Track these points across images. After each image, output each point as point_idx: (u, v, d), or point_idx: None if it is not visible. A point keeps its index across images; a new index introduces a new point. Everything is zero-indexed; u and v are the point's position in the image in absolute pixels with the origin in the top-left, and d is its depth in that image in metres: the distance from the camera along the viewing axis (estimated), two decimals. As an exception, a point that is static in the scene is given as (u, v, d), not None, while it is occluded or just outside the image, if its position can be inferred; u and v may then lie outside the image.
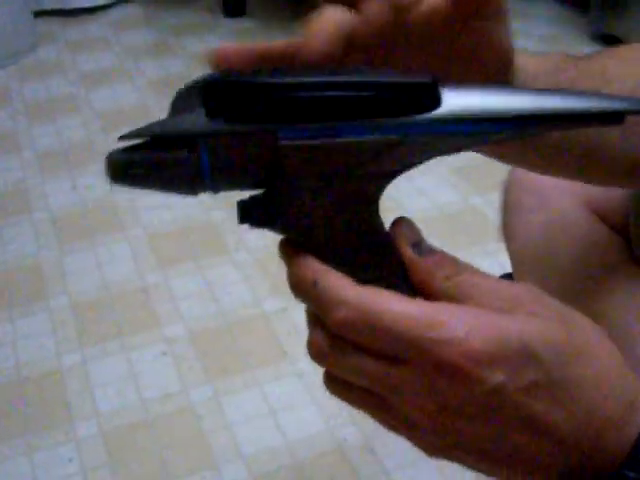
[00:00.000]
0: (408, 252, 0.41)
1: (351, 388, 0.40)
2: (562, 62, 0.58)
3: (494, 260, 1.48)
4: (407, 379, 0.38)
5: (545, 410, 0.38)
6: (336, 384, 0.41)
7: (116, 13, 2.79)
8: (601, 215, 0.83)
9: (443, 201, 1.69)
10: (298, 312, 1.49)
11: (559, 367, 0.38)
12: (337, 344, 0.39)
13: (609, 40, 2.36)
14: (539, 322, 0.38)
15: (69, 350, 1.36)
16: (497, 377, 0.37)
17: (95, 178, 1.83)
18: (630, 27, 2.27)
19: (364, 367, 0.38)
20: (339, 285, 0.38)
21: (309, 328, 0.40)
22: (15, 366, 1.34)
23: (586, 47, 2.40)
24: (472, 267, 0.41)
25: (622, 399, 0.39)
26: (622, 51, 0.61)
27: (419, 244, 0.42)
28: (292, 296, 1.34)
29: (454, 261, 0.41)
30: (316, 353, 0.40)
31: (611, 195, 0.83)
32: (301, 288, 0.40)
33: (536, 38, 2.47)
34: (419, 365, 0.37)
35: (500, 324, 0.37)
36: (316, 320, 0.40)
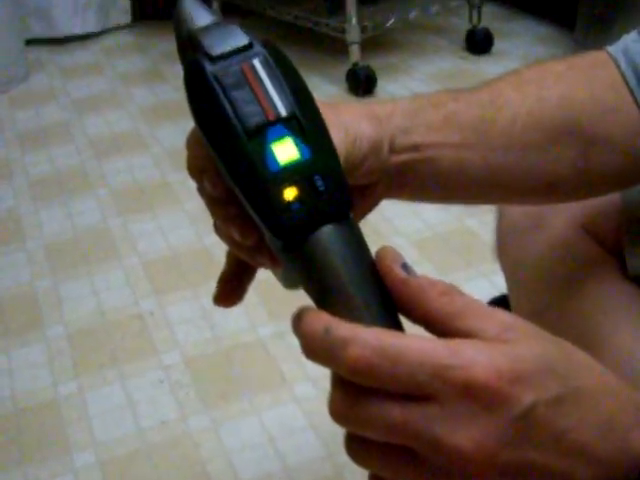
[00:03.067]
0: (400, 273, 0.41)
1: (377, 449, 0.38)
2: (434, 100, 0.59)
3: (489, 281, 1.49)
4: (436, 416, 0.36)
5: (574, 425, 0.38)
6: (360, 447, 0.39)
7: (107, 40, 2.80)
8: (595, 235, 0.83)
9: (437, 222, 1.69)
10: (295, 337, 1.49)
11: (575, 379, 0.38)
12: (356, 395, 0.37)
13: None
14: (538, 343, 0.39)
15: (65, 379, 1.35)
16: (528, 396, 0.36)
17: (88, 205, 1.84)
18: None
19: (387, 414, 0.37)
20: (351, 327, 0.38)
21: (331, 390, 0.39)
22: (11, 396, 1.33)
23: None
24: (459, 288, 0.41)
25: (633, 403, 0.40)
26: (523, 73, 0.62)
27: (407, 266, 0.42)
28: (288, 321, 1.34)
29: (443, 281, 0.41)
30: (337, 411, 0.38)
31: (605, 216, 0.84)
32: (312, 340, 0.38)
33: (522, 57, 2.49)
34: (447, 396, 0.36)
35: (513, 349, 0.37)
36: (335, 380, 0.39)
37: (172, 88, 2.42)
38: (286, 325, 1.10)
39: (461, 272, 1.54)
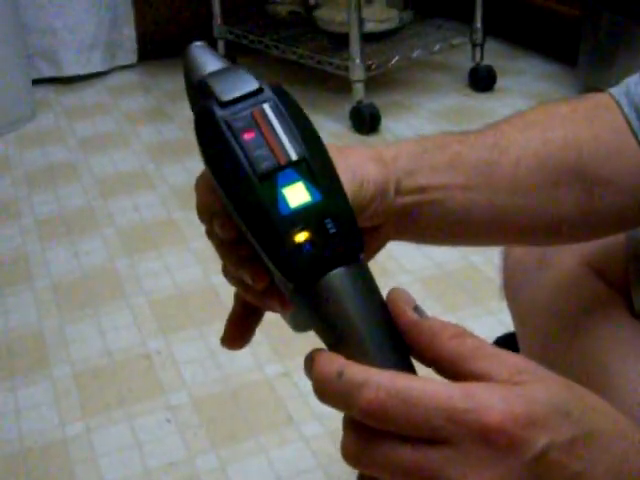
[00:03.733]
0: (412, 315, 0.41)
1: None
2: (439, 142, 0.60)
3: (495, 318, 1.49)
4: (450, 459, 0.36)
5: (587, 468, 0.38)
6: None
7: (113, 79, 2.83)
8: (601, 273, 0.84)
9: (443, 259, 1.70)
10: (302, 376, 1.49)
11: (588, 422, 0.39)
12: (369, 437, 0.38)
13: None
14: (550, 386, 0.39)
15: (72, 419, 1.35)
16: (542, 439, 0.36)
17: (95, 244, 1.85)
18: (617, 80, 2.31)
19: (401, 457, 0.37)
20: (365, 370, 0.38)
21: (343, 432, 0.39)
22: (18, 437, 1.33)
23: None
24: (470, 331, 0.41)
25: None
26: (527, 114, 0.63)
27: (418, 308, 0.42)
28: (293, 360, 1.35)
29: (454, 324, 0.41)
30: (349, 452, 0.39)
31: (611, 253, 0.84)
32: (325, 383, 0.39)
33: (525, 94, 2.51)
34: (461, 439, 0.36)
35: (526, 392, 0.38)
36: (347, 422, 0.39)
37: (177, 127, 2.44)
38: (292, 364, 1.11)
39: (467, 309, 1.55)
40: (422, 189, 0.57)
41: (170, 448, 1.29)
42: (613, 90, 0.64)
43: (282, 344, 1.46)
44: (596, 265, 0.83)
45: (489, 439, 0.36)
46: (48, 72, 2.77)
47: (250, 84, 0.45)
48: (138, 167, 2.21)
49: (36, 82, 2.69)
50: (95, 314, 1.61)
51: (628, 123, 0.61)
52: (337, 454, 1.22)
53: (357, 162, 0.54)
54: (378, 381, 0.37)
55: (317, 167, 0.43)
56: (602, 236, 0.72)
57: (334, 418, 1.27)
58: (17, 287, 1.71)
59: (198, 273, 1.71)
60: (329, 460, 1.23)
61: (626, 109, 0.62)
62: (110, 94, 2.72)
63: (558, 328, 0.84)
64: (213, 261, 2.01)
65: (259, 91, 0.44)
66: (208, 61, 0.48)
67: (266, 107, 0.44)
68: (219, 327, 1.75)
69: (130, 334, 1.55)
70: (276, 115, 0.44)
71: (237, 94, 0.44)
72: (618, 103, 0.63)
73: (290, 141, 0.43)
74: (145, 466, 1.26)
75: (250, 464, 1.25)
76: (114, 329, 1.56)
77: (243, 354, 1.46)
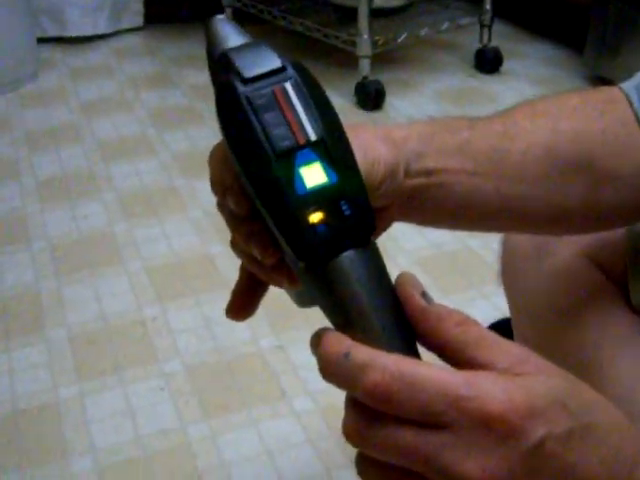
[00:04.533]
0: (421, 301, 0.42)
1: (386, 471, 0.39)
2: (449, 126, 0.60)
3: (490, 303, 1.50)
4: (449, 444, 0.37)
5: (582, 460, 0.39)
6: (370, 468, 0.40)
7: (118, 42, 2.81)
8: (600, 265, 0.84)
9: (441, 242, 1.70)
10: (296, 351, 1.50)
11: (585, 414, 0.39)
12: (371, 418, 0.38)
13: (603, 83, 2.39)
14: (550, 378, 0.40)
15: (66, 382, 1.36)
16: (540, 430, 0.37)
17: (94, 208, 1.84)
18: (623, 70, 2.30)
19: (401, 439, 0.38)
20: (371, 352, 0.39)
21: (345, 411, 0.40)
22: (11, 398, 1.33)
23: (579, 88, 2.43)
24: (474, 319, 0.42)
25: (636, 436, 0.41)
26: (538, 104, 0.63)
27: (426, 294, 0.43)
28: (289, 334, 1.36)
29: (459, 311, 0.42)
30: (350, 432, 0.39)
31: (610, 246, 0.84)
32: (331, 363, 0.39)
33: (531, 78, 2.50)
34: (461, 425, 0.37)
35: (526, 383, 0.38)
36: (350, 402, 0.40)
37: (181, 93, 2.43)
38: (287, 338, 1.11)
39: (463, 293, 1.55)
40: (430, 172, 0.58)
41: (162, 416, 1.30)
42: (623, 85, 0.64)
43: (279, 318, 1.47)
44: (595, 257, 0.84)
45: (489, 427, 0.37)
46: (53, 31, 2.75)
47: (273, 61, 0.45)
48: (140, 132, 2.20)
49: (40, 41, 2.67)
50: (92, 278, 1.61)
51: (637, 118, 0.62)
52: (327, 430, 1.24)
53: (368, 142, 0.54)
54: (384, 364, 0.38)
55: (335, 148, 0.43)
56: (603, 229, 0.72)
57: (326, 394, 1.29)
58: (14, 247, 1.71)
59: (196, 242, 1.72)
60: (319, 436, 1.24)
61: (636, 104, 0.62)
62: (115, 57, 2.70)
63: (554, 317, 0.85)
64: (211, 230, 2.02)
65: (281, 69, 0.44)
66: (230, 35, 0.48)
67: (287, 86, 0.44)
68: (215, 297, 1.76)
69: (126, 300, 1.55)
70: (297, 94, 0.44)
71: (260, 71, 0.44)
72: (628, 97, 0.63)
73: (310, 121, 0.43)
74: (137, 433, 1.27)
75: (241, 435, 1.26)
76: (110, 294, 1.57)
77: (239, 326, 1.47)
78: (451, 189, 0.58)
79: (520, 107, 0.63)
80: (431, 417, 0.37)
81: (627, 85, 0.64)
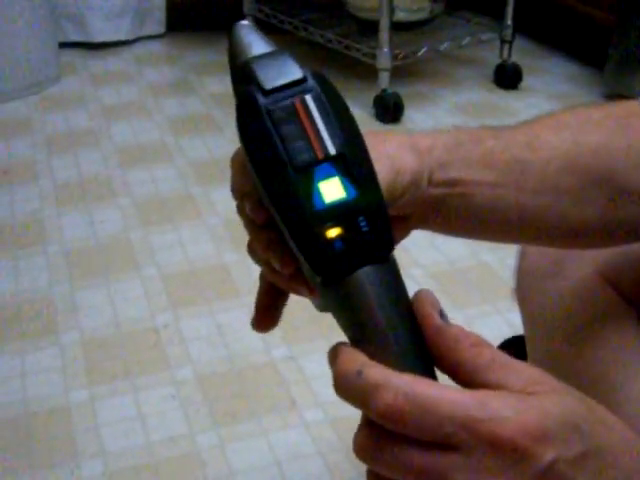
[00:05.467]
0: (438, 320, 0.42)
1: None
2: (474, 136, 0.60)
3: (504, 318, 1.49)
4: (458, 465, 0.37)
5: None
6: None
7: (139, 49, 2.83)
8: (614, 284, 0.84)
9: (455, 256, 1.70)
10: (307, 362, 1.50)
11: (597, 436, 0.39)
12: (382, 437, 0.39)
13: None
14: (563, 398, 0.40)
15: (77, 387, 1.36)
16: (551, 453, 0.37)
17: (111, 214, 1.85)
18: (643, 89, 2.30)
19: (411, 459, 0.38)
20: (384, 372, 0.39)
21: (358, 428, 0.40)
22: (23, 400, 1.34)
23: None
24: (487, 341, 0.42)
25: None
26: (560, 116, 0.63)
27: (443, 314, 0.43)
28: (300, 345, 1.36)
29: (474, 333, 0.42)
30: (361, 448, 0.39)
31: (625, 266, 0.84)
32: (345, 380, 0.40)
33: (550, 95, 2.50)
34: (471, 447, 0.37)
35: (539, 403, 0.38)
36: (363, 418, 0.40)
37: (200, 101, 2.44)
38: (299, 348, 1.11)
39: (476, 307, 1.55)
40: (453, 182, 0.58)
41: (172, 423, 1.30)
42: None
43: (291, 328, 1.47)
44: (610, 275, 0.83)
45: (499, 450, 0.37)
46: (75, 36, 2.77)
47: (294, 72, 0.45)
48: (158, 139, 2.21)
49: (63, 45, 2.69)
50: (106, 283, 1.62)
51: None
52: (337, 442, 1.24)
53: (395, 150, 0.55)
54: (396, 384, 0.38)
55: (355, 163, 0.43)
56: (622, 243, 0.72)
57: (337, 405, 1.28)
58: (30, 250, 1.72)
59: (211, 249, 1.72)
60: (329, 447, 1.24)
61: None
62: (136, 63, 2.72)
63: (568, 335, 0.84)
64: (226, 238, 2.02)
65: (303, 80, 0.44)
66: (254, 43, 0.48)
67: (308, 98, 0.44)
68: (229, 305, 1.77)
69: (140, 306, 1.56)
70: (317, 107, 0.44)
71: (280, 82, 0.44)
72: None
73: (330, 135, 0.43)
74: (147, 439, 1.27)
75: (250, 445, 1.26)
76: (124, 300, 1.57)
77: (251, 335, 1.47)
78: (473, 200, 0.58)
79: (542, 119, 0.63)
80: (442, 438, 0.37)
81: None
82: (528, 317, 0.93)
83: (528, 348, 0.94)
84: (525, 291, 0.94)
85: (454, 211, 0.59)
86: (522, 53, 2.67)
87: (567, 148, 0.60)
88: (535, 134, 0.61)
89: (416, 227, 0.60)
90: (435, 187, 0.57)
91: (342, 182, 0.43)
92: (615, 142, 0.61)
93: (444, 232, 0.63)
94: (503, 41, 2.49)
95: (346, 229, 0.42)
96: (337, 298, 0.43)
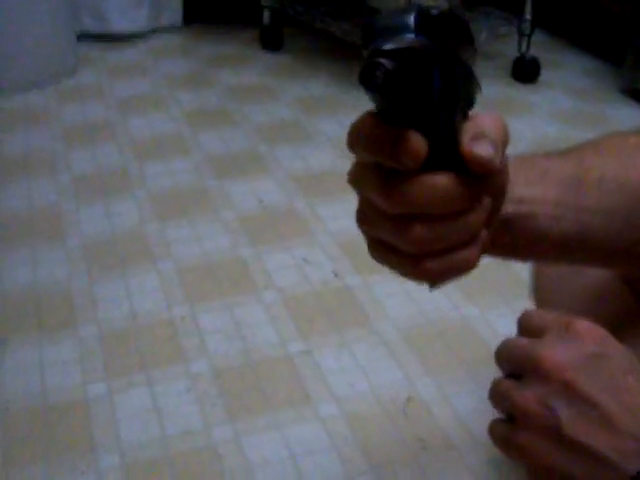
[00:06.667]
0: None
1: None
2: (526, 159, 0.61)
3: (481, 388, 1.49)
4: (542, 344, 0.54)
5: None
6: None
7: (156, 41, 2.83)
8: (632, 286, 0.84)
9: (431, 308, 1.52)
10: (323, 356, 1.49)
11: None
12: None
13: (639, 95, 2.38)
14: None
15: (95, 380, 1.38)
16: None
17: (127, 207, 1.86)
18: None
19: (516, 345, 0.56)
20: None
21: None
22: (41, 392, 1.35)
23: (616, 101, 2.41)
24: None
25: None
26: (600, 143, 0.64)
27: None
28: (316, 339, 1.36)
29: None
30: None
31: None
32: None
33: (568, 89, 2.49)
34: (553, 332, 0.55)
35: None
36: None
37: (216, 94, 2.44)
38: (315, 343, 1.10)
39: (495, 308, 1.55)
40: (521, 200, 0.58)
41: (188, 417, 1.31)
42: None
43: (307, 323, 1.47)
44: (628, 277, 0.84)
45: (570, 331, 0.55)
46: (92, 27, 2.77)
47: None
48: (174, 132, 2.22)
49: (80, 37, 2.69)
50: (123, 276, 1.63)
51: None
52: (352, 436, 1.24)
53: None
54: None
55: None
56: None
57: (351, 400, 1.29)
58: (48, 243, 1.73)
59: (227, 243, 1.73)
60: (343, 441, 1.25)
61: None
62: (152, 55, 2.72)
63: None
64: (243, 233, 2.01)
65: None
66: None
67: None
68: (245, 299, 1.77)
69: (156, 299, 1.57)
70: None
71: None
72: None
73: None
74: (163, 432, 1.28)
75: (265, 439, 1.27)
76: (141, 293, 1.58)
77: (267, 329, 1.48)
78: (537, 219, 0.59)
79: (583, 146, 0.64)
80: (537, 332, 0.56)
81: None
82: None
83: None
84: (543, 292, 0.94)
85: (521, 232, 0.59)
86: (540, 47, 2.65)
87: (614, 170, 0.61)
88: (583, 156, 0.62)
89: (486, 252, 0.59)
90: (506, 204, 0.57)
91: None
92: None
93: (506, 255, 0.63)
94: (522, 35, 2.48)
95: None
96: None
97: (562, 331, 0.53)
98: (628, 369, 0.53)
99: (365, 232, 0.53)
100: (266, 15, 2.72)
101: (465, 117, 0.49)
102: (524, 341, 0.55)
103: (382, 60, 0.42)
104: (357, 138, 0.48)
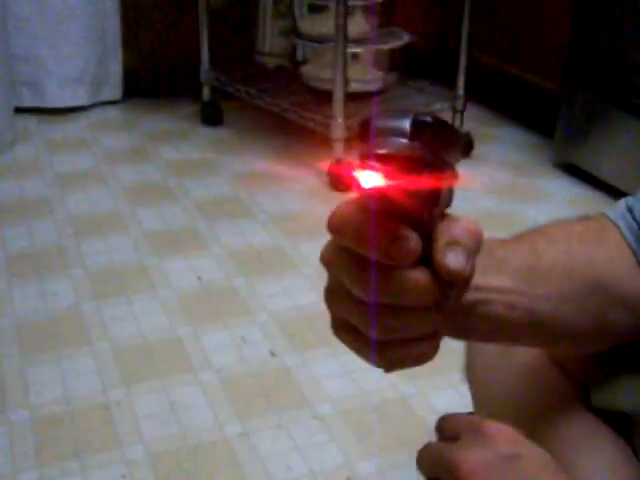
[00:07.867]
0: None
1: None
2: (485, 245, 0.62)
3: (457, 392, 1.50)
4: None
5: None
6: None
7: (95, 115, 2.84)
8: (562, 364, 0.85)
9: (372, 388, 1.63)
10: (259, 439, 1.47)
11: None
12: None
13: (572, 169, 2.44)
14: None
15: (26, 468, 1.33)
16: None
17: (63, 285, 1.84)
18: (591, 158, 2.36)
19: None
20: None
21: None
22: (-32, 482, 1.31)
23: (549, 174, 2.47)
24: None
25: None
26: (547, 230, 0.67)
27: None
28: (255, 421, 1.34)
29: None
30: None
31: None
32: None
33: (502, 163, 2.55)
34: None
35: None
36: None
37: (156, 169, 2.44)
38: (252, 425, 1.09)
39: (429, 380, 1.55)
40: (477, 288, 0.59)
41: (122, 505, 1.28)
42: (611, 214, 0.67)
43: (244, 404, 1.46)
44: (557, 356, 0.85)
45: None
46: (31, 102, 2.77)
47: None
48: (113, 208, 2.21)
49: (18, 111, 2.68)
50: (57, 359, 1.60)
51: (629, 245, 0.65)
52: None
53: None
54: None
55: None
56: (607, 348, 0.74)
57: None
58: (-19, 324, 1.69)
59: (164, 323, 1.71)
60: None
61: (625, 232, 0.66)
62: (92, 130, 2.72)
63: (515, 414, 0.85)
64: (180, 311, 1.98)
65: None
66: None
67: None
68: (182, 380, 1.74)
69: (91, 382, 1.53)
70: None
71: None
72: (616, 226, 0.66)
73: None
74: (95, 522, 1.24)
75: (201, 527, 1.24)
76: (75, 376, 1.55)
77: (204, 411, 1.46)
78: (492, 306, 0.60)
79: (530, 233, 0.66)
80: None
81: (613, 215, 0.67)
82: (476, 396, 0.94)
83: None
84: (473, 368, 0.95)
85: (477, 317, 0.60)
86: (474, 120, 2.72)
87: (563, 258, 0.63)
88: (534, 245, 0.64)
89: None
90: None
91: None
92: (599, 254, 0.65)
93: (458, 336, 0.64)
94: (455, 111, 2.54)
95: None
96: None
97: (476, 434, 0.55)
98: (542, 466, 0.54)
99: (331, 310, 0.53)
100: (206, 91, 2.75)
101: (443, 216, 0.50)
102: (441, 445, 0.57)
103: (375, 164, 0.45)
104: (344, 225, 0.48)
